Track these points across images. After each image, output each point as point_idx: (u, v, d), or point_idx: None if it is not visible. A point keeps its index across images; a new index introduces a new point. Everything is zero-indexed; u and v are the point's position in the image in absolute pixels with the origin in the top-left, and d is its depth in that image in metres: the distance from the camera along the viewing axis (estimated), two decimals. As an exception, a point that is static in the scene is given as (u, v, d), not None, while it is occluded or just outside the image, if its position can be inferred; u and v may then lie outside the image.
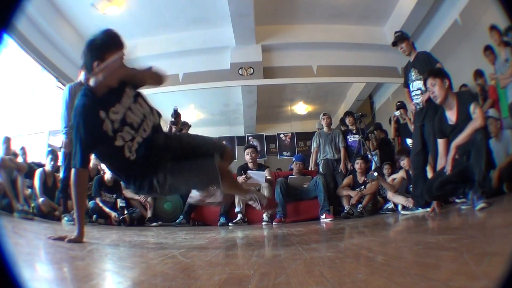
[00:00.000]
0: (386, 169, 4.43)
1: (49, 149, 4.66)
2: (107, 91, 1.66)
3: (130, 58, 1.73)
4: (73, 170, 1.66)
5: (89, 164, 1.78)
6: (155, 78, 1.90)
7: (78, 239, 1.65)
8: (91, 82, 1.67)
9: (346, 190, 4.33)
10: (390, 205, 4.12)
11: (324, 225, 3.37)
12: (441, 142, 2.78)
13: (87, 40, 1.73)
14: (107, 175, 4.18)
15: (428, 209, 2.90)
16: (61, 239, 1.66)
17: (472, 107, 2.54)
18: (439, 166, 2.80)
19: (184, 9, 5.91)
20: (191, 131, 5.76)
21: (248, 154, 4.38)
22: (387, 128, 5.80)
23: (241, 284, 0.80)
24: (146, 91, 1.95)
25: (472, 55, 4.84)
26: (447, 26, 5.56)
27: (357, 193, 4.20)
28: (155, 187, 1.69)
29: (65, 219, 3.52)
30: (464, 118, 2.57)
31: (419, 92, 3.35)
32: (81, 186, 1.71)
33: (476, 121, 2.47)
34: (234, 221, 4.06)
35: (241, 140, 9.49)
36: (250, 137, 9.56)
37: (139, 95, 1.81)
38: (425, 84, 2.87)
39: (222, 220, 4.11)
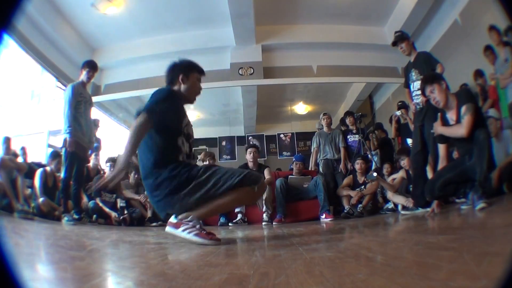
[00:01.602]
0: (386, 169, 4.43)
1: (52, 150, 4.65)
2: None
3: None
4: (143, 116, 1.72)
5: (155, 122, 1.78)
6: None
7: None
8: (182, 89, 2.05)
9: (346, 190, 4.33)
10: (390, 205, 4.12)
11: (324, 225, 3.37)
12: (441, 147, 2.78)
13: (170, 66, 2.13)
14: (107, 175, 4.18)
15: (428, 209, 2.90)
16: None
17: (463, 110, 2.51)
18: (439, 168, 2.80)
19: (184, 9, 5.91)
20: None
21: (250, 153, 4.38)
22: (388, 128, 5.81)
23: (241, 284, 0.80)
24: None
25: (472, 55, 4.84)
26: (447, 26, 5.56)
27: (357, 193, 4.20)
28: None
29: (65, 219, 3.51)
30: None
31: (419, 92, 3.35)
32: (141, 134, 1.75)
33: (461, 129, 2.47)
34: (234, 221, 4.06)
35: (241, 140, 9.49)
36: (250, 137, 9.56)
37: None
38: (423, 93, 2.84)
39: (222, 220, 4.11)
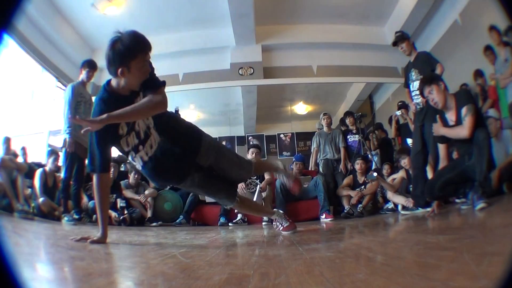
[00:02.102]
0: (385, 170, 4.43)
1: (49, 149, 4.65)
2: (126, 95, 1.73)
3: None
4: (95, 176, 1.72)
5: (110, 168, 1.80)
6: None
7: (102, 240, 1.70)
8: (114, 84, 1.72)
9: (346, 190, 4.33)
10: (390, 205, 4.11)
11: (324, 225, 3.37)
12: (441, 147, 2.78)
13: (111, 41, 1.65)
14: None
15: (428, 209, 2.90)
16: (84, 239, 1.70)
17: (463, 111, 2.51)
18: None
19: (184, 9, 5.91)
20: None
21: (252, 154, 4.38)
22: (388, 128, 5.81)
23: (241, 284, 0.80)
24: None
25: (472, 55, 4.84)
26: (447, 26, 5.56)
27: (357, 193, 4.19)
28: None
29: (65, 219, 3.51)
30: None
31: (419, 92, 3.35)
32: (103, 190, 1.76)
33: (463, 130, 2.47)
34: (234, 221, 4.06)
35: (241, 140, 9.48)
36: (250, 137, 9.55)
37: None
38: (422, 94, 2.85)
39: (222, 220, 4.11)
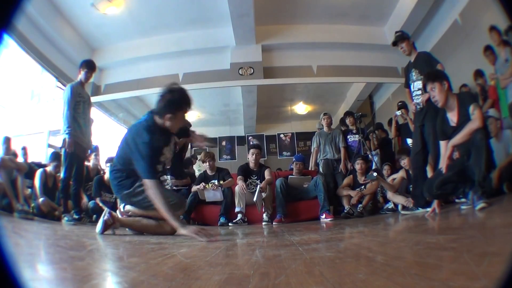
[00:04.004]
0: (385, 170, 4.43)
1: (53, 151, 4.65)
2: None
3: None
4: (153, 182, 2.11)
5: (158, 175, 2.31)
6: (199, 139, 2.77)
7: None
8: (159, 121, 2.26)
9: (346, 190, 4.33)
10: (390, 205, 4.12)
11: (324, 225, 3.37)
12: (443, 144, 2.78)
13: (166, 91, 2.23)
14: (107, 175, 4.18)
15: (428, 209, 2.90)
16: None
17: (471, 108, 2.54)
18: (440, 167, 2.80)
19: (184, 9, 5.91)
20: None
21: (253, 154, 4.38)
22: (387, 128, 5.81)
23: (241, 284, 0.80)
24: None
25: (472, 55, 4.84)
26: (447, 26, 5.56)
27: (357, 193, 4.20)
28: None
29: (65, 219, 3.51)
30: (465, 119, 2.56)
31: (419, 92, 3.35)
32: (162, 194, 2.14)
33: (475, 122, 2.47)
34: (234, 221, 4.06)
35: (241, 140, 9.49)
36: (250, 137, 9.55)
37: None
38: (424, 88, 2.87)
39: (222, 220, 4.11)
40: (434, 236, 1.63)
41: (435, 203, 2.79)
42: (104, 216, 2.26)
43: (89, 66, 3.81)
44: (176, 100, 2.22)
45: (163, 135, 2.27)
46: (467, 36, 5.15)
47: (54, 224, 3.32)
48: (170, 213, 2.07)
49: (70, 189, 3.65)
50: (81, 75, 3.76)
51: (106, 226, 2.23)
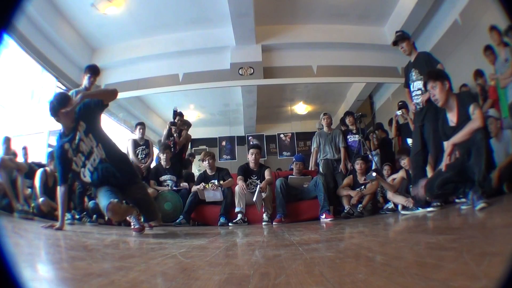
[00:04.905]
0: (385, 170, 4.43)
1: (50, 150, 4.65)
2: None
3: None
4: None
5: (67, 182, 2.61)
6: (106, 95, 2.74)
7: (60, 227, 2.53)
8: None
9: (346, 190, 4.33)
10: (390, 205, 4.11)
11: (324, 225, 3.37)
12: (447, 144, 2.78)
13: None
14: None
15: (429, 209, 2.90)
16: (50, 227, 2.52)
17: (471, 108, 2.53)
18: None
19: (184, 9, 5.91)
20: (191, 130, 5.77)
21: (252, 154, 4.37)
22: (388, 128, 5.81)
23: (241, 284, 0.80)
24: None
25: (472, 55, 4.84)
26: (447, 26, 5.55)
27: (357, 193, 4.19)
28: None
29: (65, 219, 3.50)
30: (465, 119, 2.56)
31: (419, 92, 3.35)
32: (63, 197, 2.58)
33: (475, 122, 2.47)
34: (234, 221, 4.05)
35: (241, 140, 9.49)
36: (250, 137, 9.55)
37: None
38: (425, 87, 2.87)
39: (222, 220, 4.10)
40: (434, 236, 1.63)
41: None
42: (134, 226, 2.68)
43: (93, 71, 3.80)
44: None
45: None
46: (467, 36, 5.15)
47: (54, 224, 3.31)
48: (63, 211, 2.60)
49: (75, 188, 3.67)
50: (85, 81, 3.76)
51: (141, 229, 2.66)
